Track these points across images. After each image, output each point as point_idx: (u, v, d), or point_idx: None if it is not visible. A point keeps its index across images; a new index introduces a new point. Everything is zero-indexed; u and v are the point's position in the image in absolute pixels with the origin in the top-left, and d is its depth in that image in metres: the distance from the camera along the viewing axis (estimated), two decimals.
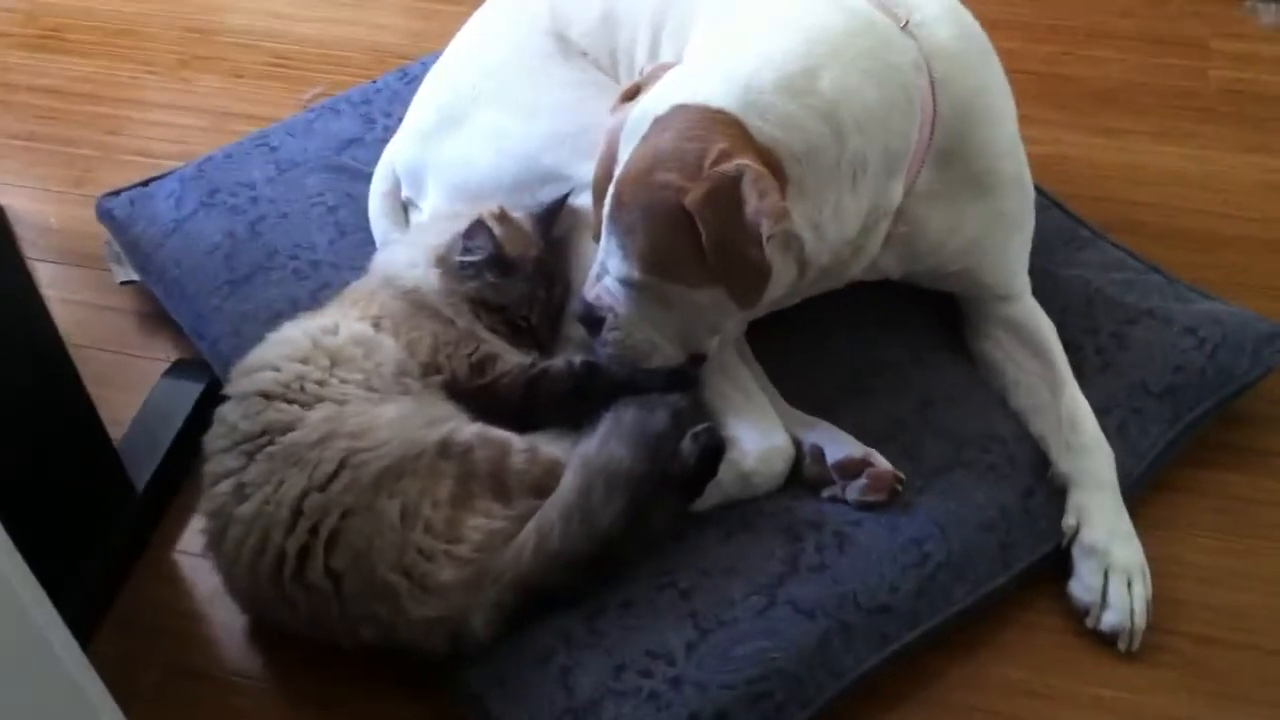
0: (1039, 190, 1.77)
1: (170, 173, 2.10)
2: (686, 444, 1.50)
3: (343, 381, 1.54)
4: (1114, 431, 1.64)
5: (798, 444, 1.62)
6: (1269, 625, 1.55)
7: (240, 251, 1.94)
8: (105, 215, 2.05)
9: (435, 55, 1.98)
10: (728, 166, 1.41)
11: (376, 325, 1.62)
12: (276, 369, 1.55)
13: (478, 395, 1.60)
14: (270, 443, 1.49)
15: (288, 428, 1.50)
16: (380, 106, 2.19)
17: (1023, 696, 1.51)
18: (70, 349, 1.57)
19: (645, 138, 1.48)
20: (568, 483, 1.48)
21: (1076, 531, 1.57)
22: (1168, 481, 1.68)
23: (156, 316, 1.96)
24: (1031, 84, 1.67)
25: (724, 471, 1.54)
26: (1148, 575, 1.55)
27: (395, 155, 1.92)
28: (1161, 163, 2.16)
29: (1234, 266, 1.94)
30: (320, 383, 1.54)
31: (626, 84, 1.80)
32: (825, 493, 1.59)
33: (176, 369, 1.86)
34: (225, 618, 1.58)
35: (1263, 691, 1.50)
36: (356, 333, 1.60)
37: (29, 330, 1.51)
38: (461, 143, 1.82)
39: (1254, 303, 1.81)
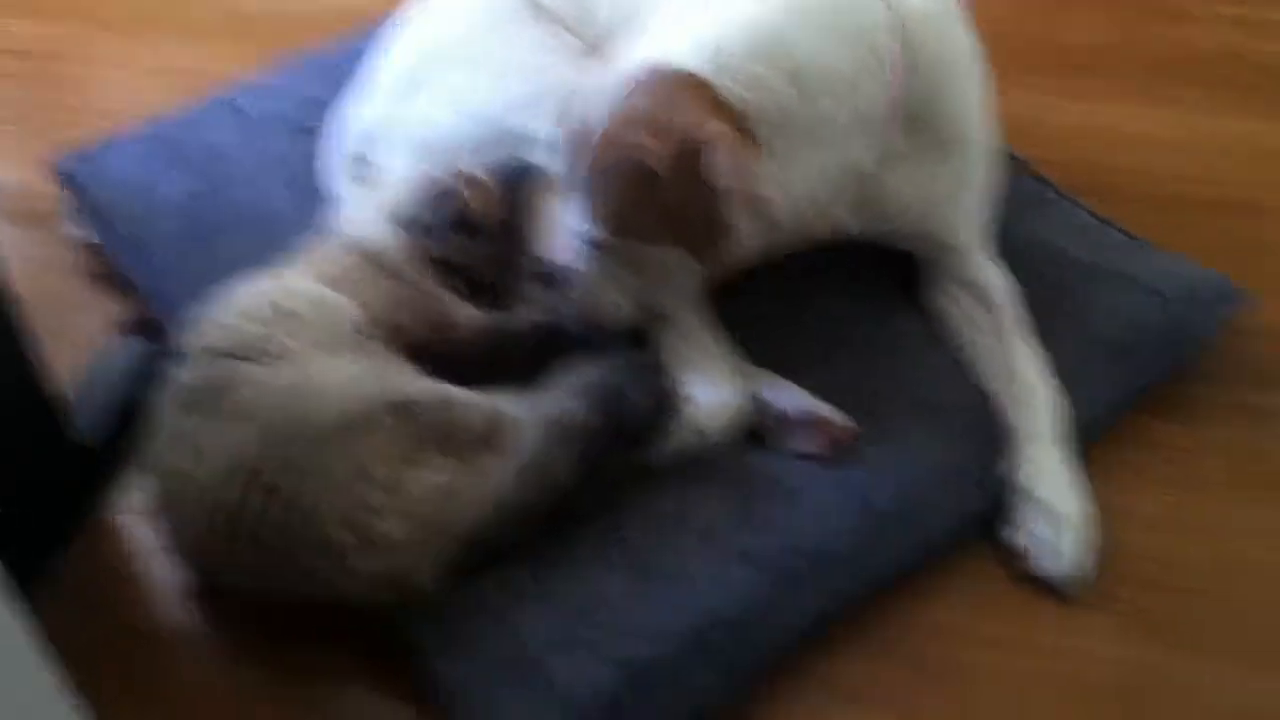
0: (1008, 152, 1.77)
1: (131, 132, 2.08)
2: (641, 397, 1.51)
3: (298, 340, 1.53)
4: (1071, 386, 1.64)
5: (753, 398, 1.61)
6: (1213, 573, 1.56)
7: (201, 211, 1.93)
8: (64, 174, 2.04)
9: (400, 16, 1.96)
10: (697, 129, 1.42)
11: (335, 284, 1.61)
12: (231, 327, 1.54)
13: (437, 354, 1.60)
14: (221, 400, 1.48)
15: (239, 385, 1.49)
16: (345, 67, 2.15)
17: (971, 644, 1.51)
18: (23, 306, 1.56)
19: (614, 100, 1.48)
20: (520, 437, 1.48)
21: (1026, 483, 1.57)
22: (1116, 432, 1.69)
23: (112, 275, 1.95)
24: (1007, 46, 1.68)
25: (678, 424, 1.55)
26: (1094, 523, 1.56)
27: (358, 115, 1.90)
28: (1132, 125, 2.15)
29: (1196, 227, 1.94)
30: (275, 340, 1.52)
31: (596, 47, 1.80)
32: (779, 446, 1.59)
33: (128, 327, 1.84)
34: (171, 577, 1.58)
35: (1206, 638, 1.51)
36: (314, 292, 1.59)
37: None
38: (426, 103, 1.81)
39: (1218, 262, 1.81)
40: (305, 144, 2.01)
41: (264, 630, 1.53)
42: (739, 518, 1.52)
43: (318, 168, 1.95)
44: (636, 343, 1.59)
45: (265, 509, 1.43)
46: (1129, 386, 1.69)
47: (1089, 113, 2.18)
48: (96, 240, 1.97)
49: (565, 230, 1.56)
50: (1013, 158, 1.85)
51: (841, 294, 1.76)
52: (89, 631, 1.54)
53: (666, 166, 1.42)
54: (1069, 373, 1.65)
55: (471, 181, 1.69)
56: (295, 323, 1.55)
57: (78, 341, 1.82)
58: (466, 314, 1.64)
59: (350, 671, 1.51)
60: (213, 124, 2.08)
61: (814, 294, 1.75)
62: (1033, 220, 1.86)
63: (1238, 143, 2.11)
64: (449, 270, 1.67)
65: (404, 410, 1.48)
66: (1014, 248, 1.77)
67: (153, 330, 1.80)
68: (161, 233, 1.91)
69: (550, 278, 1.58)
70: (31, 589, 1.49)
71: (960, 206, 1.71)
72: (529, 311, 1.66)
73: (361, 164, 1.89)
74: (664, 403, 1.52)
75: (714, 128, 1.42)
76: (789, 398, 1.61)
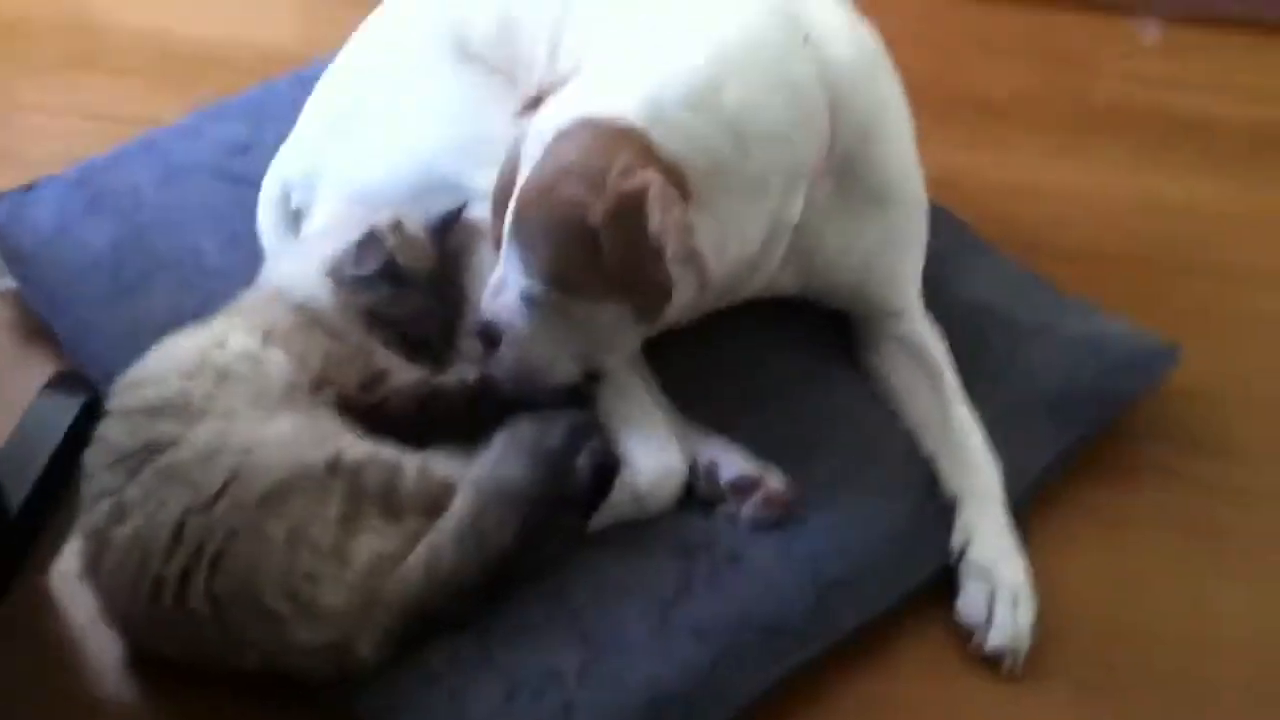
0: (931, 205, 1.77)
1: (53, 177, 2.03)
2: (581, 462, 1.49)
3: (230, 397, 1.50)
4: (1001, 445, 1.65)
5: (693, 460, 1.61)
6: (1153, 643, 1.57)
7: (125, 260, 1.89)
8: None
9: (329, 59, 1.94)
10: (633, 181, 1.40)
11: (266, 338, 1.58)
12: (161, 383, 1.51)
13: (370, 412, 1.57)
14: (151, 460, 1.45)
15: (170, 444, 1.45)
16: (271, 111, 2.13)
17: (906, 712, 1.52)
18: None
19: (548, 151, 1.46)
20: (461, 503, 1.46)
21: (964, 550, 1.58)
22: (1051, 496, 1.70)
23: (34, 328, 1.90)
24: (925, 97, 1.69)
25: (617, 491, 1.53)
26: (1031, 594, 1.56)
27: (286, 162, 1.88)
28: (1050, 179, 2.19)
29: (1122, 283, 1.97)
30: (206, 397, 1.49)
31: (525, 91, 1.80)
32: (719, 510, 1.59)
33: (55, 383, 1.79)
34: (104, 642, 1.53)
35: (1148, 709, 1.53)
36: (245, 346, 1.56)
37: None
38: (354, 150, 1.79)
39: (1142, 319, 1.84)
40: (230, 189, 1.98)
41: (205, 701, 1.49)
42: (682, 585, 1.51)
43: (245, 215, 1.92)
44: (578, 402, 1.58)
45: (192, 574, 1.40)
46: (1057, 446, 1.70)
47: (1007, 165, 2.20)
48: (17, 288, 1.93)
49: (500, 284, 1.54)
50: (933, 208, 1.84)
51: (777, 351, 1.76)
52: (23, 697, 1.50)
53: (602, 220, 1.40)
54: (996, 432, 1.66)
55: (399, 231, 1.67)
56: (228, 379, 1.52)
57: (3, 397, 1.78)
58: (400, 370, 1.61)
59: None
60: (135, 169, 2.04)
61: (752, 351, 1.75)
62: (956, 273, 1.87)
63: (1157, 199, 2.15)
64: (381, 324, 1.64)
65: (343, 472, 1.45)
66: (937, 301, 1.78)
67: (79, 385, 1.77)
68: (83, 282, 1.86)
69: (486, 333, 1.55)
70: None
71: (894, 264, 1.71)
72: (463, 368, 1.64)
73: (290, 212, 1.88)
74: (605, 468, 1.51)
75: (648, 178, 1.40)
76: (729, 460, 1.61)
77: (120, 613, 1.47)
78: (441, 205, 1.72)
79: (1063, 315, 1.84)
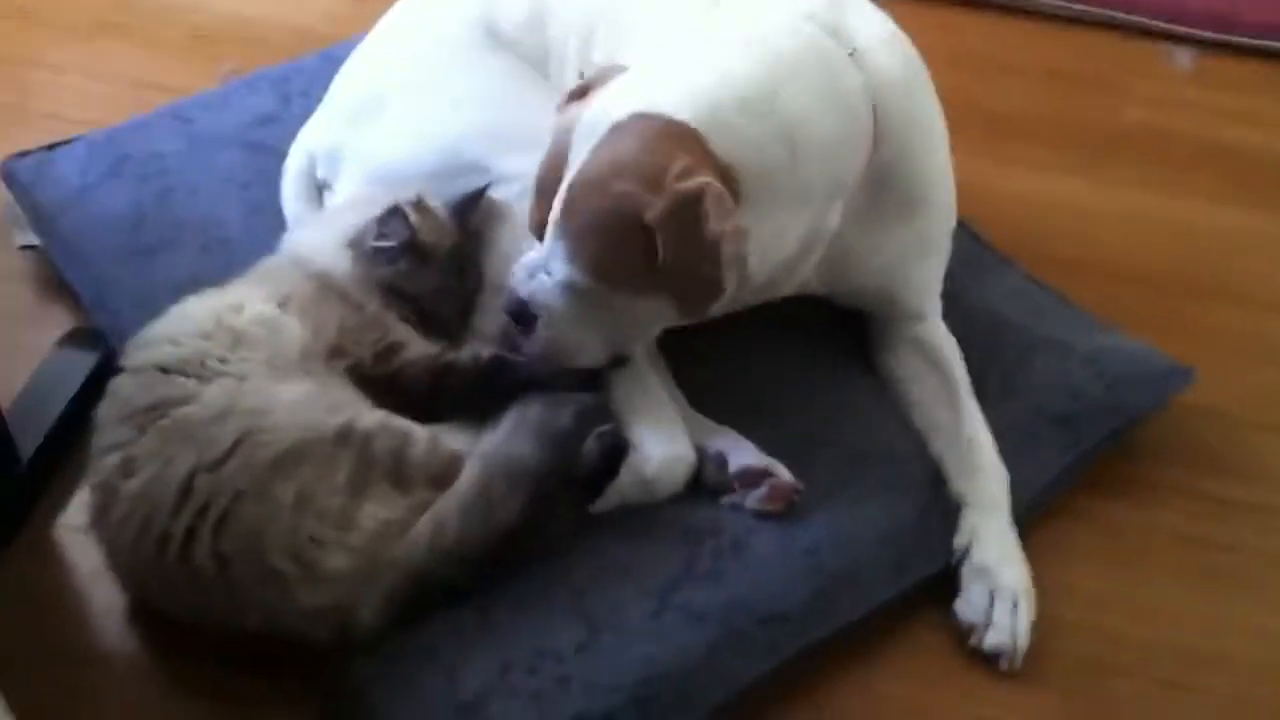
0: None
1: (79, 138, 2.05)
2: (590, 444, 1.50)
3: (244, 360, 1.51)
4: (1009, 456, 1.66)
5: (701, 450, 1.62)
6: (1150, 653, 1.57)
7: (147, 223, 1.91)
8: (9, 177, 2.00)
9: (358, 39, 1.96)
10: (690, 183, 1.40)
11: (283, 305, 1.59)
12: (176, 343, 1.52)
13: (382, 383, 1.58)
14: (162, 416, 1.46)
15: (182, 402, 1.47)
16: (299, 86, 2.15)
17: (904, 711, 1.52)
18: None
19: (602, 143, 1.46)
20: (468, 476, 1.47)
21: (967, 551, 1.58)
22: (1058, 507, 1.70)
23: (54, 284, 1.91)
24: (946, 113, 1.70)
25: (625, 475, 1.54)
26: (1033, 598, 1.56)
27: (312, 136, 1.89)
28: (1070, 196, 2.18)
29: (1135, 302, 1.97)
30: (221, 359, 1.51)
31: (557, 79, 1.81)
32: (725, 500, 1.59)
33: (71, 338, 1.81)
34: (107, 596, 1.55)
35: (1141, 717, 1.53)
36: (262, 312, 1.57)
37: None
38: (381, 128, 1.80)
39: (1151, 338, 1.84)
40: (253, 159, 2.00)
41: (204, 660, 1.50)
42: (684, 570, 1.52)
43: (267, 185, 1.93)
44: (590, 385, 1.58)
45: (198, 531, 1.41)
46: (1064, 458, 1.70)
47: (1030, 181, 2.20)
48: (40, 245, 1.94)
49: (537, 266, 1.54)
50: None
51: (790, 348, 1.77)
52: (24, 649, 1.51)
53: (659, 219, 1.40)
54: (1005, 440, 1.66)
55: (422, 208, 1.68)
56: (243, 342, 1.53)
57: (20, 350, 1.79)
58: (414, 343, 1.62)
59: (287, 708, 1.48)
60: (161, 135, 2.06)
61: (765, 346, 1.75)
62: (972, 283, 1.88)
63: (1180, 223, 2.14)
64: (399, 298, 1.65)
65: (354, 439, 1.46)
66: (953, 310, 1.79)
67: (95, 341, 1.78)
68: (104, 242, 1.88)
69: (518, 313, 1.55)
70: None
71: (919, 269, 1.72)
72: (477, 345, 1.65)
73: (314, 184, 1.89)
74: (613, 451, 1.51)
75: (706, 181, 1.41)
76: (736, 451, 1.61)
77: (125, 566, 1.48)
78: (465, 187, 1.73)
79: (1076, 330, 1.84)
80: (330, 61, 2.11)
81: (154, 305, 1.64)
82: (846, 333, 1.80)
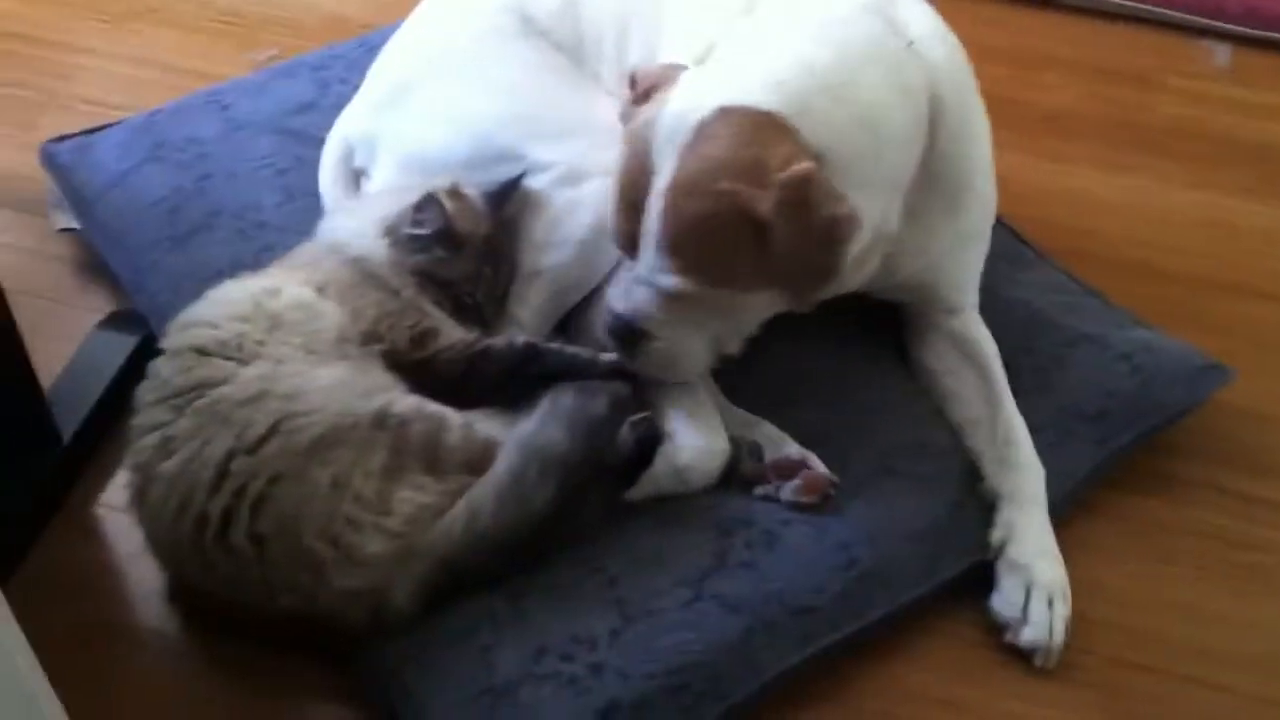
0: None
1: (118, 122, 2.07)
2: (624, 432, 1.51)
3: (282, 343, 1.52)
4: (1044, 451, 1.65)
5: (736, 441, 1.62)
6: (1181, 651, 1.57)
7: (185, 207, 1.92)
8: (49, 161, 2.02)
9: (396, 26, 1.96)
10: (796, 171, 1.39)
11: (320, 291, 1.60)
12: (215, 325, 1.53)
13: (417, 368, 1.59)
14: (201, 398, 1.47)
15: (220, 384, 1.48)
16: (337, 73, 2.16)
17: (938, 706, 1.52)
18: (4, 293, 1.54)
19: (690, 143, 1.44)
20: (502, 462, 1.48)
21: (1003, 547, 1.58)
22: (1092, 504, 1.70)
23: (94, 266, 1.93)
24: (985, 106, 1.69)
25: (659, 464, 1.54)
26: (1068, 595, 1.56)
27: (349, 123, 1.90)
28: (1106, 192, 2.18)
29: (1170, 299, 1.96)
30: (259, 342, 1.52)
31: (591, 67, 1.81)
32: (759, 491, 1.60)
33: (112, 321, 1.83)
34: (145, 575, 1.56)
35: (1171, 715, 1.53)
36: (299, 296, 1.58)
37: None
38: (417, 116, 1.80)
39: (1188, 336, 1.83)
40: (291, 146, 2.01)
41: (239, 640, 1.51)
42: (717, 560, 1.52)
43: (304, 171, 1.94)
44: (624, 374, 1.58)
45: (235, 512, 1.42)
46: (1100, 454, 1.69)
47: (1066, 175, 2.20)
48: (79, 228, 1.95)
49: (636, 281, 1.51)
50: None
51: (824, 340, 1.76)
52: (62, 624, 1.52)
53: (773, 211, 1.39)
54: (1040, 436, 1.66)
55: (457, 196, 1.69)
56: (280, 325, 1.54)
57: (61, 332, 1.81)
58: (449, 330, 1.63)
59: (321, 690, 1.50)
60: (200, 120, 2.07)
61: (799, 340, 1.74)
62: (1008, 278, 1.88)
63: (1216, 219, 2.14)
64: (434, 285, 1.66)
65: (389, 424, 1.47)
66: (988, 305, 1.78)
67: (135, 323, 1.79)
68: (143, 226, 1.89)
69: (623, 332, 1.53)
70: (5, 578, 1.51)
71: (960, 263, 1.72)
72: (511, 332, 1.66)
73: (351, 171, 1.90)
74: (648, 439, 1.51)
75: (810, 167, 1.40)
76: (772, 442, 1.61)
77: (163, 546, 1.49)
78: (500, 175, 1.73)
79: (1112, 327, 1.83)
80: (368, 49, 2.12)
81: (192, 289, 1.65)
82: (881, 326, 1.79)
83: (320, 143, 1.94)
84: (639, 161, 1.49)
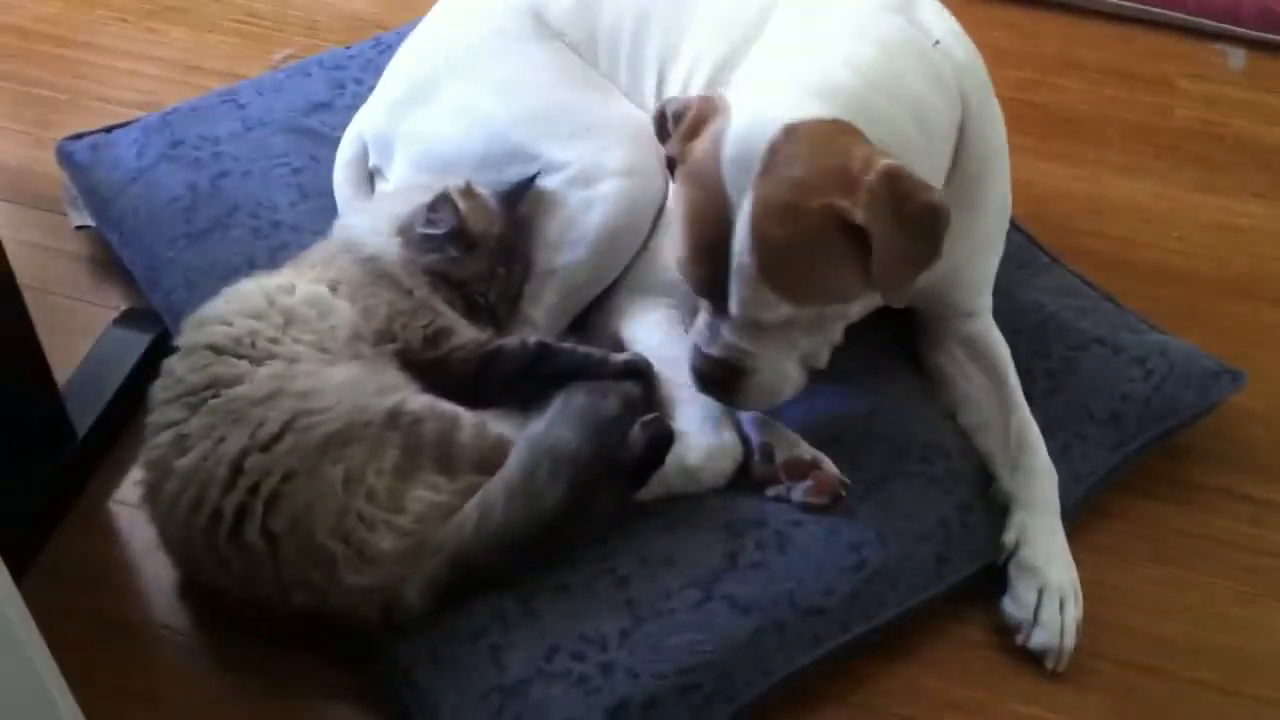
0: None
1: (134, 121, 2.08)
2: (635, 432, 1.50)
3: (295, 341, 1.53)
4: (1057, 455, 1.65)
5: (746, 441, 1.62)
6: (1192, 655, 1.57)
7: (200, 205, 1.92)
8: (65, 158, 2.03)
9: (411, 26, 1.97)
10: (881, 168, 1.38)
11: (333, 289, 1.61)
12: (228, 323, 1.54)
13: (430, 368, 1.59)
14: (215, 395, 1.48)
15: (234, 382, 1.48)
16: (352, 73, 2.17)
17: (948, 708, 1.52)
18: (23, 290, 1.55)
19: (767, 169, 1.41)
20: (513, 461, 1.48)
21: (1015, 549, 1.58)
22: (1105, 508, 1.70)
23: (109, 264, 1.94)
24: (999, 108, 1.70)
25: (670, 464, 1.54)
26: (1080, 598, 1.56)
27: (364, 122, 1.91)
28: (1121, 195, 2.18)
29: (1184, 303, 1.96)
30: (272, 340, 1.52)
31: (606, 68, 1.82)
32: (770, 491, 1.59)
33: (126, 318, 1.84)
34: (158, 571, 1.57)
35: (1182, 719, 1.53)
36: (312, 294, 1.59)
37: None
38: (431, 115, 1.81)
39: (1201, 340, 1.83)
40: (306, 145, 2.02)
41: (252, 636, 1.52)
42: (727, 561, 1.52)
43: (319, 171, 1.95)
44: (635, 374, 1.59)
45: (248, 509, 1.42)
46: (1112, 458, 1.69)
47: (1079, 178, 2.20)
48: (95, 225, 1.96)
49: (718, 325, 1.49)
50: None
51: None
52: (76, 619, 1.53)
53: (866, 214, 1.37)
54: (1052, 439, 1.66)
55: (470, 195, 1.69)
56: (294, 322, 1.55)
57: (76, 328, 1.82)
58: (462, 329, 1.63)
59: (331, 688, 1.51)
60: (215, 119, 2.07)
61: None
62: (1021, 281, 1.88)
63: (1229, 223, 2.13)
64: (447, 284, 1.66)
65: (402, 423, 1.47)
66: (1001, 307, 1.78)
67: (149, 321, 1.80)
68: (158, 224, 1.90)
69: (716, 376, 1.51)
70: (19, 573, 1.51)
71: (975, 267, 1.71)
72: (524, 332, 1.66)
73: (366, 171, 1.90)
74: (659, 439, 1.51)
75: (891, 160, 1.39)
76: (783, 443, 1.61)
77: (176, 542, 1.50)
78: (514, 175, 1.73)
79: (1125, 330, 1.83)
80: (383, 49, 2.14)
81: (207, 287, 1.67)
82: (892, 328, 1.79)
83: (335, 142, 1.95)
84: (709, 199, 1.44)
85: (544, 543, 1.47)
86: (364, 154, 1.90)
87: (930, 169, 1.50)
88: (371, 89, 1.95)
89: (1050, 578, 1.55)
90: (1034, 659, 1.54)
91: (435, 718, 1.42)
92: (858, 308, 1.51)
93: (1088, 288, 1.91)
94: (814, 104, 1.43)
